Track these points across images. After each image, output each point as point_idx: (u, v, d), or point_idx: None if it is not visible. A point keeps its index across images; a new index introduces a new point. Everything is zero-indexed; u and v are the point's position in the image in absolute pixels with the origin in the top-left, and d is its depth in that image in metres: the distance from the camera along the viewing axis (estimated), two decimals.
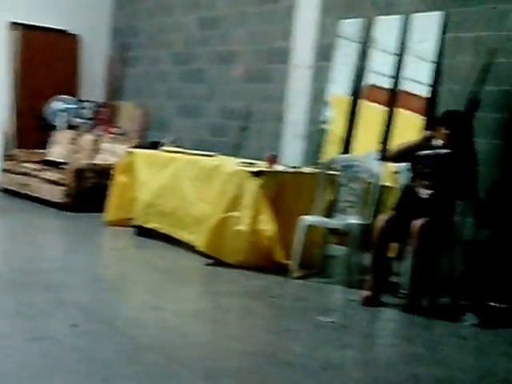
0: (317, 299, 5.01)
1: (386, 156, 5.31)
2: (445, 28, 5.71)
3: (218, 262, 5.63)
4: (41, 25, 9.83)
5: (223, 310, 4.58)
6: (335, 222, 5.58)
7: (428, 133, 4.94)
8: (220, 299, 4.82)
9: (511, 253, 4.35)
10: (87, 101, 9.83)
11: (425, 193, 4.83)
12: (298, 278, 5.41)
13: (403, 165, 5.17)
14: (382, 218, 4.84)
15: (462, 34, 5.76)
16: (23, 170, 8.76)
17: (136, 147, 7.63)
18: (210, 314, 4.49)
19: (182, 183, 6.30)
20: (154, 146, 7.59)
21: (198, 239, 5.80)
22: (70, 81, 10.06)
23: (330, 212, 5.74)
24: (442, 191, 4.79)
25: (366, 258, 5.08)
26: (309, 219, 5.50)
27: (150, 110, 9.30)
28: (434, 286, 4.85)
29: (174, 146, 7.30)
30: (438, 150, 4.82)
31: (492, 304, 4.73)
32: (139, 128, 9.26)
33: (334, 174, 5.81)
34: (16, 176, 8.83)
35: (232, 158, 6.68)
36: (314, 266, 5.63)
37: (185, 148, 7.22)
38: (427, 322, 4.51)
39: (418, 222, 4.61)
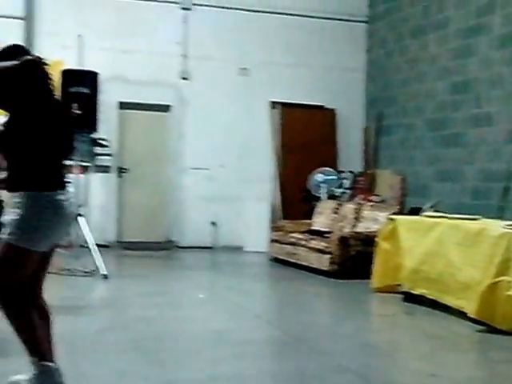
0: None
1: None
2: None
3: (491, 329, 5.53)
4: (299, 102, 10.51)
5: (501, 379, 4.49)
6: None
7: None
8: (497, 367, 4.75)
9: None
10: (346, 171, 10.24)
11: None
12: None
13: None
14: None
15: None
16: (291, 239, 9.26)
17: (397, 214, 7.79)
18: (487, 383, 4.44)
19: (447, 248, 6.31)
20: (415, 211, 7.69)
21: (468, 305, 5.76)
22: (329, 153, 10.58)
23: None
24: None
25: None
26: None
27: (407, 177, 9.46)
28: None
29: (435, 211, 7.34)
30: None
31: None
32: (398, 195, 9.45)
33: None
34: (284, 246, 9.38)
35: (496, 221, 6.56)
36: None
37: (445, 213, 7.22)
38: None
39: None
